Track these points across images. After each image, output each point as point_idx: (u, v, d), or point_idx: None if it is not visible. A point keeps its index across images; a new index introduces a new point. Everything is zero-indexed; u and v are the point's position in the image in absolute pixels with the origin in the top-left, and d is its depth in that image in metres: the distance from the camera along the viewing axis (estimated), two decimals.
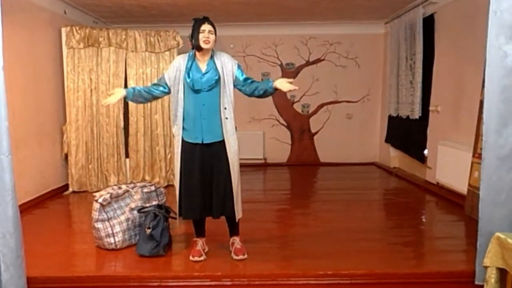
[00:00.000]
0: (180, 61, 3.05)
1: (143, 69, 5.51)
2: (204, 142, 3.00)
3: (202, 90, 2.97)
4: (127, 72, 5.48)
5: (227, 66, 3.03)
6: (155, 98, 3.20)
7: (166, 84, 3.07)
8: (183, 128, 3.03)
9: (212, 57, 3.04)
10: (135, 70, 5.50)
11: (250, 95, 3.09)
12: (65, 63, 5.34)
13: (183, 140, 3.04)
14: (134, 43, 5.46)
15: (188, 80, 2.97)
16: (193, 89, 2.96)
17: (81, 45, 5.30)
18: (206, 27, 2.94)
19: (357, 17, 6.63)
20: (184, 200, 3.07)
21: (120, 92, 3.07)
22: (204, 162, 3.02)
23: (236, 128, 3.07)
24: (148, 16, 6.20)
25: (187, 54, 3.08)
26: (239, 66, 3.10)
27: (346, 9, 6.04)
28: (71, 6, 5.58)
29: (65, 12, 5.50)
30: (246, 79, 3.07)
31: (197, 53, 3.02)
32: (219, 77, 2.99)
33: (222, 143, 3.02)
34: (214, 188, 3.04)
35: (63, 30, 5.30)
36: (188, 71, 2.99)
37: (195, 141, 3.01)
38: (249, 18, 6.47)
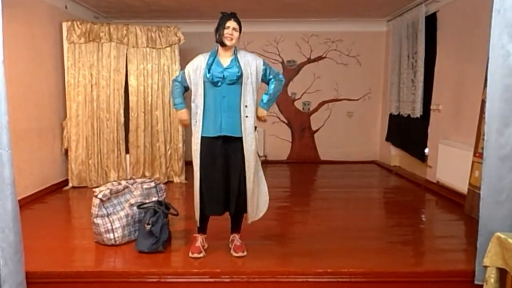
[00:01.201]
0: (201, 59, 3.04)
1: (143, 65, 5.50)
2: (223, 134, 2.98)
3: (223, 83, 2.96)
4: (128, 68, 5.47)
5: (251, 66, 3.02)
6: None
7: (185, 81, 3.10)
8: (203, 123, 3.00)
9: (235, 54, 3.04)
10: (136, 66, 5.49)
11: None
12: (65, 58, 5.33)
13: (202, 137, 3.01)
14: (135, 39, 5.45)
15: (208, 75, 2.96)
16: (212, 82, 2.96)
17: (82, 40, 5.29)
18: (231, 23, 2.94)
19: (359, 14, 6.61)
20: (206, 196, 3.04)
21: (186, 113, 3.15)
22: (223, 156, 3.01)
23: (255, 127, 3.06)
24: (149, 12, 6.19)
25: (208, 53, 3.07)
26: (264, 63, 3.11)
27: (348, 7, 6.03)
28: (72, 1, 5.57)
29: (66, 7, 5.48)
30: (269, 79, 3.14)
31: (220, 49, 3.03)
32: (241, 74, 2.97)
33: (240, 140, 3.01)
34: (232, 185, 3.03)
35: (64, 24, 5.29)
36: (209, 67, 2.98)
37: (214, 134, 2.99)
38: (251, 14, 6.45)
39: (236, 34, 2.96)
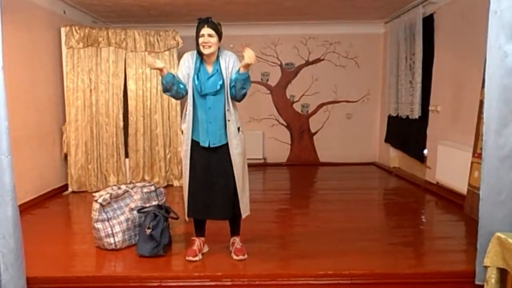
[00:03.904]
0: (189, 59, 2.99)
1: (142, 69, 5.50)
2: (211, 145, 2.99)
3: (208, 94, 2.95)
4: (127, 72, 5.48)
5: (232, 66, 2.97)
6: (180, 93, 3.00)
7: (184, 84, 3.00)
8: (193, 127, 3.00)
9: (218, 58, 2.99)
10: (135, 70, 5.49)
11: (236, 95, 2.95)
12: (64, 63, 5.33)
13: (192, 139, 3.02)
14: (134, 43, 5.46)
15: (196, 83, 2.94)
16: (201, 94, 2.94)
17: (81, 45, 5.30)
18: (205, 30, 2.86)
19: (356, 16, 6.63)
20: (191, 199, 3.07)
21: (162, 65, 2.86)
22: (209, 164, 3.02)
23: (239, 129, 3.05)
24: (147, 16, 6.20)
25: (194, 52, 3.00)
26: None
27: (345, 9, 6.04)
28: (70, 6, 5.58)
29: (64, 12, 5.49)
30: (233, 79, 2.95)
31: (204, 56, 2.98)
32: (223, 82, 2.95)
33: (226, 146, 3.02)
34: (218, 190, 3.02)
35: (63, 29, 5.29)
36: (196, 72, 2.95)
37: (202, 143, 3.00)
38: (249, 17, 6.47)
39: (213, 39, 2.87)
